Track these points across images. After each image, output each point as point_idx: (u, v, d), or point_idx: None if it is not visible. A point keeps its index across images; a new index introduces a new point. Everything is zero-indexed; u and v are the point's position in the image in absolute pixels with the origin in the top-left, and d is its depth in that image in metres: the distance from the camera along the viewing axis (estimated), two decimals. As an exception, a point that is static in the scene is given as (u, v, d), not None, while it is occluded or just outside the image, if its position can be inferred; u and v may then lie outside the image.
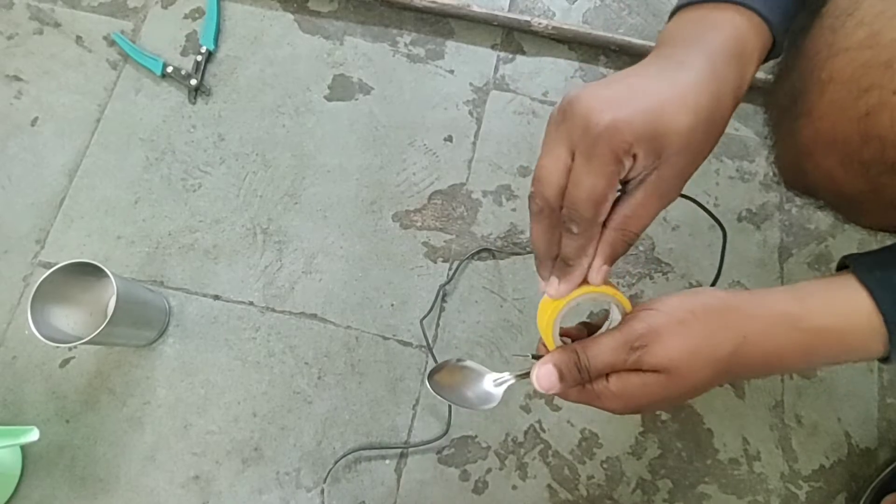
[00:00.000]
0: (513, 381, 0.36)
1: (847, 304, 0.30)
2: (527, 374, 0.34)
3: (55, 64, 0.72)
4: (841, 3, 0.29)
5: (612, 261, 0.31)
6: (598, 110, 0.27)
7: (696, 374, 0.30)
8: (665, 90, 0.28)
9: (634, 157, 0.28)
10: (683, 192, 0.47)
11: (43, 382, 0.60)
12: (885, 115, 0.26)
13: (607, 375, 0.31)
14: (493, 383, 0.36)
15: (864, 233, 0.37)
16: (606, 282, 0.32)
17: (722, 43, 0.30)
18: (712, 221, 0.66)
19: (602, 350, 0.31)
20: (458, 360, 0.37)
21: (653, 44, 0.69)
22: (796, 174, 0.34)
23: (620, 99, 0.28)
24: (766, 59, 0.33)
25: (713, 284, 0.49)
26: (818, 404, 0.59)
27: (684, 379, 0.30)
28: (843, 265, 0.32)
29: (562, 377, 0.32)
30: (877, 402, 0.60)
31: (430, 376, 0.37)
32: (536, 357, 0.34)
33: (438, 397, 0.36)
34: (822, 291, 0.31)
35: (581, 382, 0.32)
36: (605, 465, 0.58)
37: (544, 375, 0.32)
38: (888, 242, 0.34)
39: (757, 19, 0.31)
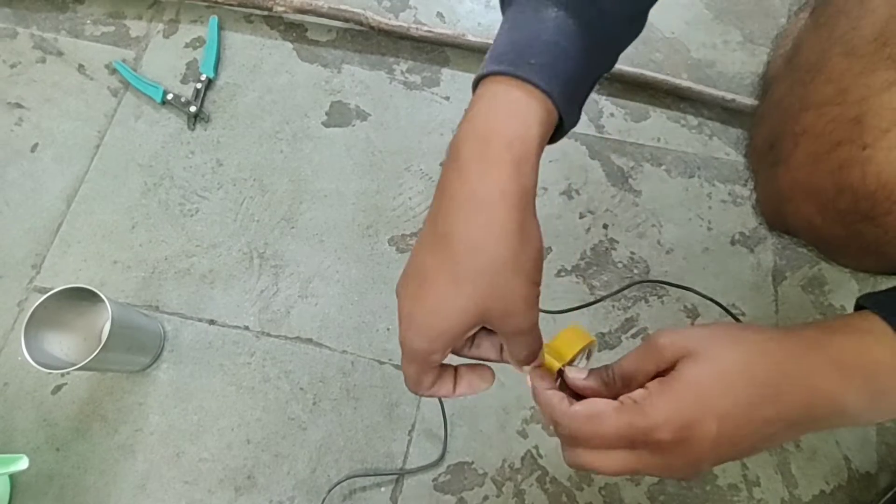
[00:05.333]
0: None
1: (878, 346, 0.28)
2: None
3: (56, 91, 0.73)
4: (809, 58, 0.31)
5: (529, 361, 0.33)
6: (402, 330, 0.31)
7: (724, 353, 0.28)
8: (441, 281, 0.30)
9: (444, 353, 0.32)
10: (701, 291, 0.48)
11: (34, 410, 0.59)
12: (856, 169, 0.27)
13: (644, 386, 0.30)
14: None
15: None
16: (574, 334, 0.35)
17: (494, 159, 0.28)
18: (706, 245, 0.67)
19: (626, 358, 0.31)
20: None
21: (643, 71, 0.71)
22: (777, 217, 0.35)
23: (416, 319, 0.30)
24: (557, 131, 0.32)
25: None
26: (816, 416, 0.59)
27: (715, 359, 0.28)
28: (862, 305, 0.31)
29: (590, 373, 0.32)
30: (875, 426, 0.59)
31: None
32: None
33: None
34: (849, 330, 0.29)
35: (604, 382, 0.32)
36: (603, 492, 0.57)
37: (574, 368, 0.33)
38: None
39: (538, 95, 0.29)
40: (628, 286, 0.64)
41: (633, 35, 0.36)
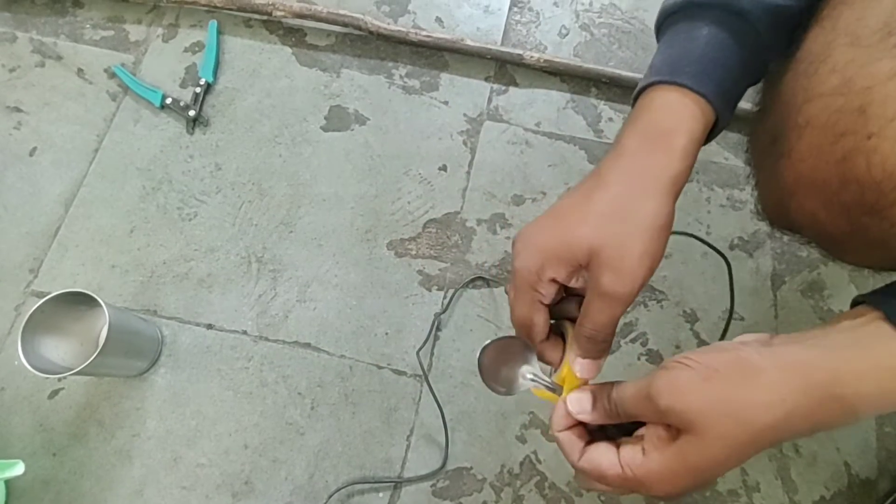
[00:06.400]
0: (543, 385, 0.35)
1: (888, 360, 0.27)
2: (552, 389, 0.34)
3: (55, 95, 0.73)
4: (813, 50, 0.30)
5: (588, 354, 0.33)
6: (516, 253, 0.33)
7: (729, 437, 0.27)
8: (571, 214, 0.32)
9: (553, 279, 0.32)
10: (686, 231, 0.48)
11: (31, 414, 0.59)
12: (861, 159, 0.27)
13: (643, 450, 0.29)
14: (528, 375, 0.35)
15: (853, 262, 0.37)
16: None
17: (645, 137, 0.32)
18: (705, 248, 0.67)
19: (625, 392, 0.31)
20: (516, 338, 0.36)
21: (641, 75, 0.72)
22: (780, 213, 0.34)
23: (533, 237, 0.33)
24: (715, 128, 0.35)
25: (729, 318, 0.49)
26: (816, 434, 0.59)
27: (719, 441, 0.27)
28: (860, 301, 0.30)
29: (594, 404, 0.32)
30: (875, 431, 0.59)
31: (483, 350, 0.35)
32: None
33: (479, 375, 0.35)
34: (858, 347, 0.28)
35: (610, 416, 0.31)
36: (602, 498, 0.57)
37: (578, 397, 0.32)
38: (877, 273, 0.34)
39: (693, 95, 0.32)
40: None
41: (786, 44, 0.37)
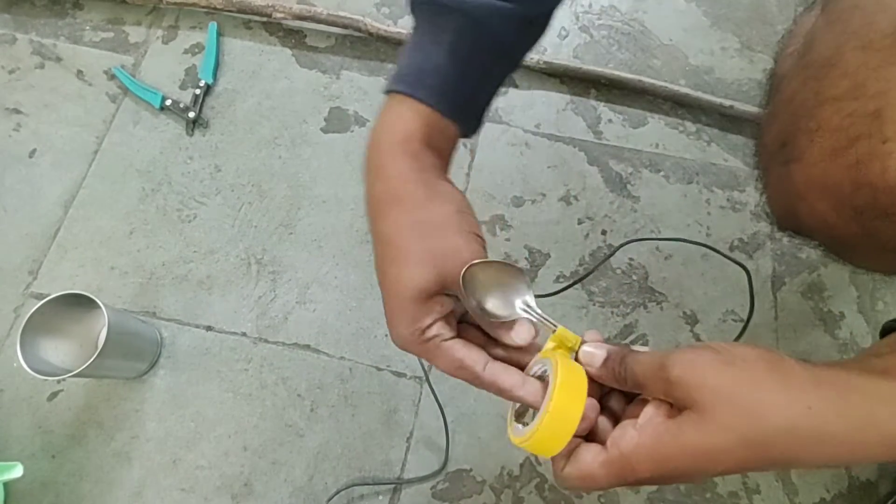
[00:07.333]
0: (536, 317, 0.33)
1: None
2: (547, 321, 0.33)
3: (55, 97, 0.73)
4: (822, 54, 0.30)
5: None
6: (393, 335, 0.34)
7: (735, 428, 0.25)
8: (401, 264, 0.33)
9: (436, 320, 0.32)
10: (707, 244, 0.47)
11: (30, 416, 0.59)
12: (876, 163, 0.27)
13: (636, 424, 0.28)
14: (520, 305, 0.33)
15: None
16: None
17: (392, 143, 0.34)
18: (704, 250, 0.67)
19: (641, 357, 0.30)
20: (510, 265, 0.33)
21: (641, 77, 0.72)
22: (789, 216, 0.34)
23: (395, 317, 0.33)
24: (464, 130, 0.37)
25: (747, 322, 0.49)
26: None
27: (723, 430, 0.25)
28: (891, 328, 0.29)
29: (605, 361, 0.31)
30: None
31: (474, 265, 0.33)
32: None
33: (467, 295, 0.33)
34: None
35: (616, 378, 0.30)
36: (602, 500, 0.57)
37: (592, 352, 0.32)
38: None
39: (426, 109, 0.34)
40: (622, 245, 0.64)
41: (531, 44, 0.39)
